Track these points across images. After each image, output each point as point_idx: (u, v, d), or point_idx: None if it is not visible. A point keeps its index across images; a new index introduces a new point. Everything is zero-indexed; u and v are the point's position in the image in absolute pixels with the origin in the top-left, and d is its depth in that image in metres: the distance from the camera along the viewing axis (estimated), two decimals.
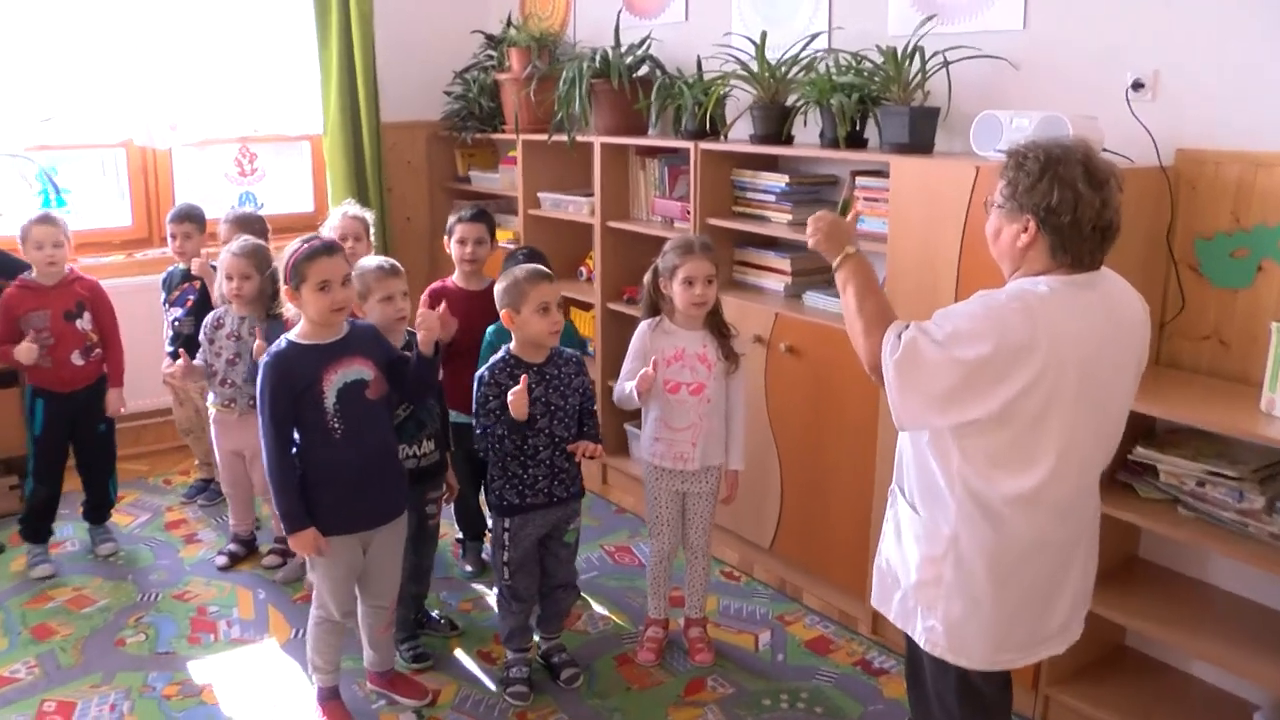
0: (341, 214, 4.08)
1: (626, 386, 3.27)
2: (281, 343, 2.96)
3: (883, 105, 3.55)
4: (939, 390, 2.09)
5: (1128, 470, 3.01)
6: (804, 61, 3.89)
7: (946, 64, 3.46)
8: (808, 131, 3.96)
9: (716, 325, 3.34)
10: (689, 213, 4.23)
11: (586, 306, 4.95)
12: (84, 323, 4.03)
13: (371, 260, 3.39)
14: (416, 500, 3.44)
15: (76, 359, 4.01)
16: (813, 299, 3.89)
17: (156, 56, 4.97)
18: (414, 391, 3.13)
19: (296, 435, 2.96)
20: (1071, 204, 2.09)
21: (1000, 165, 2.24)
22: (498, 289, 3.17)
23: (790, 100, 3.93)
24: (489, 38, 5.46)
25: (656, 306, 3.37)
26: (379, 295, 3.29)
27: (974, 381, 2.05)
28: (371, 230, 4.15)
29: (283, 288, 2.95)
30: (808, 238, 2.50)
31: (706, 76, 4.23)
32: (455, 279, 3.99)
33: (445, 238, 4.03)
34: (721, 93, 4.08)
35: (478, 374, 3.17)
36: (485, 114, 5.38)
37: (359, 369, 2.97)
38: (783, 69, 3.90)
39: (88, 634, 3.67)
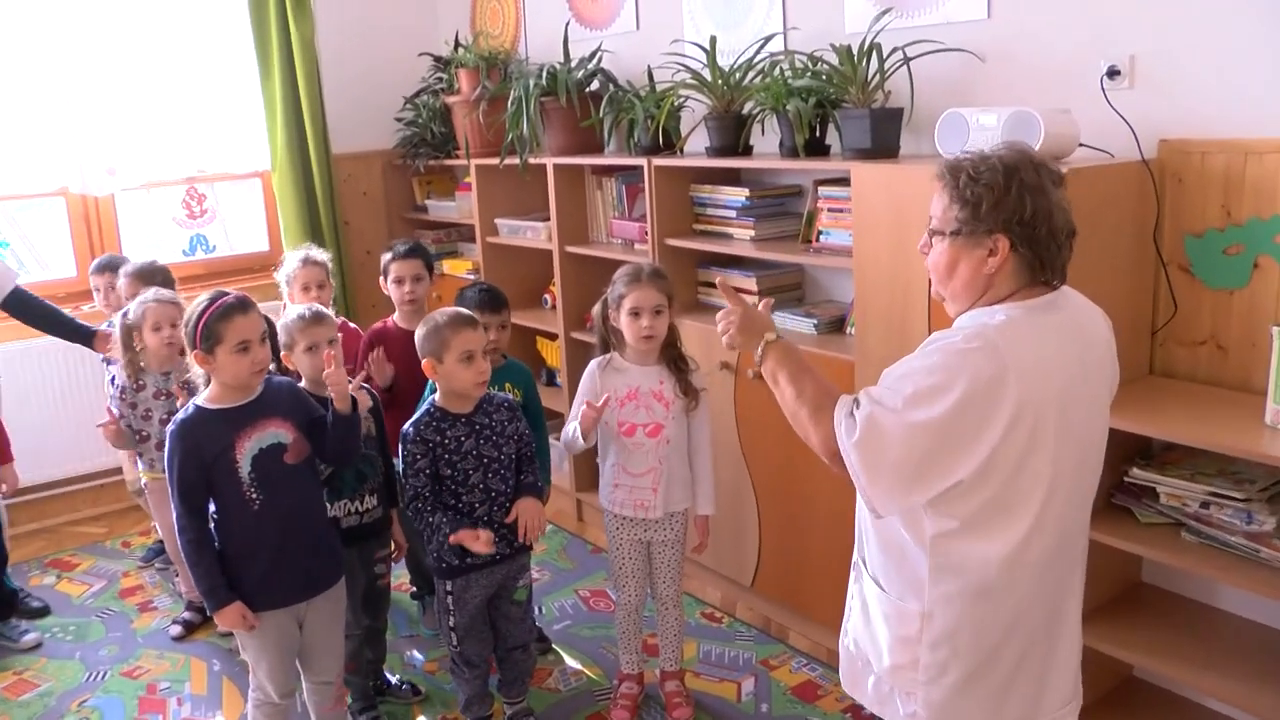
0: (300, 260, 3.78)
1: (570, 429, 2.99)
2: (189, 409, 2.71)
3: (842, 108, 3.28)
4: (914, 462, 1.79)
5: (1124, 493, 2.73)
6: (759, 66, 3.62)
7: (907, 60, 3.18)
8: (767, 140, 3.69)
9: (673, 359, 3.07)
10: (648, 233, 3.96)
11: (552, 336, 4.68)
12: None
13: (294, 309, 3.12)
14: (363, 560, 3.20)
15: None
16: (781, 320, 3.62)
17: (90, 99, 4.72)
18: (334, 454, 2.86)
19: (213, 507, 2.71)
20: (1046, 212, 1.84)
21: (941, 186, 1.93)
22: (418, 336, 2.91)
23: (746, 108, 3.66)
24: (437, 60, 5.20)
25: (608, 342, 3.10)
26: (304, 345, 3.03)
27: (947, 441, 1.77)
28: (330, 274, 3.87)
29: (189, 351, 2.69)
30: (721, 334, 2.19)
31: (660, 87, 3.96)
32: (396, 319, 3.73)
33: (381, 278, 3.77)
34: (674, 104, 3.82)
35: (402, 430, 2.90)
36: (438, 140, 5.12)
37: (275, 432, 2.72)
38: (736, 75, 3.63)
39: None
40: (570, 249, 4.41)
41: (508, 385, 3.43)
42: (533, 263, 4.80)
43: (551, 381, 4.87)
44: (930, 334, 2.76)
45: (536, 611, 3.87)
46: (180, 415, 2.70)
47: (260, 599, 2.71)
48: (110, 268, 4.15)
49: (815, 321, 3.51)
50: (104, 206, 4.91)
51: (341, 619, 2.95)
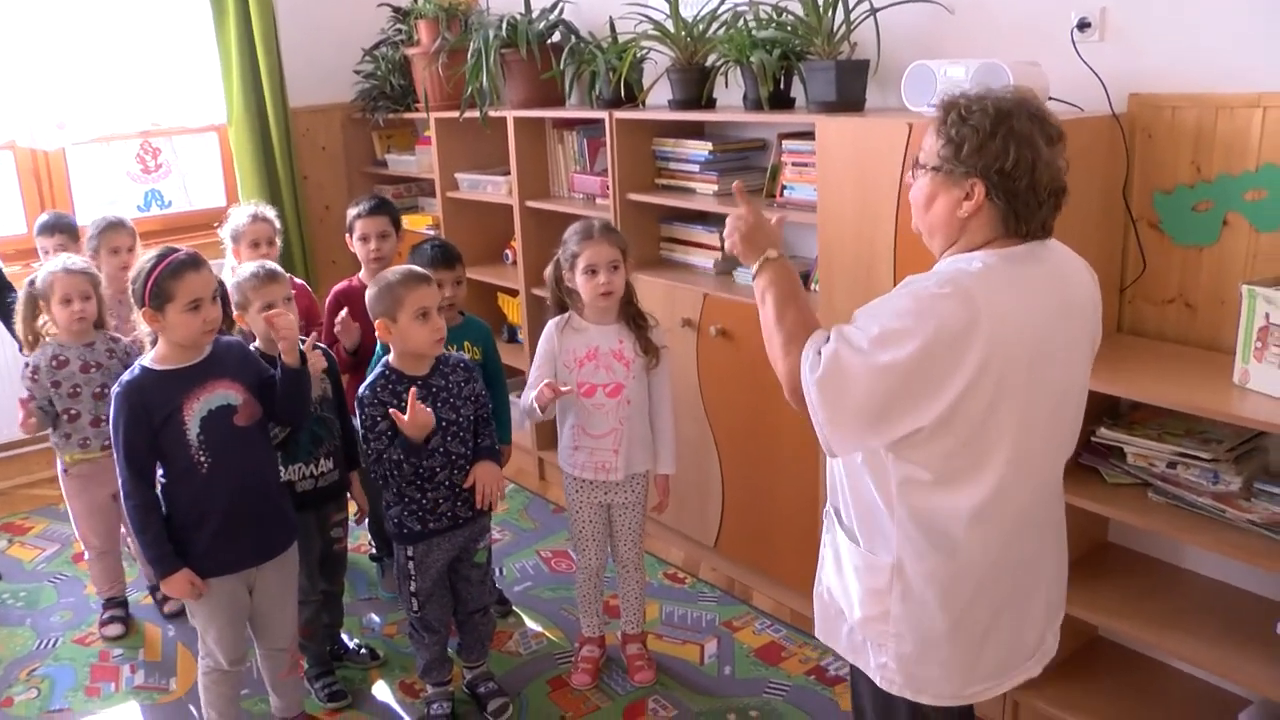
0: (249, 216, 3.62)
1: (528, 399, 2.88)
2: (135, 369, 2.59)
3: (807, 60, 3.15)
4: (872, 405, 1.73)
5: (1091, 453, 2.65)
6: (724, 17, 3.48)
7: (874, 10, 3.06)
8: (731, 94, 3.56)
9: (632, 316, 2.96)
10: (609, 188, 3.83)
11: (513, 293, 4.56)
12: None
13: (247, 266, 2.99)
14: (319, 524, 3.10)
15: None
16: (745, 276, 3.51)
17: (38, 50, 4.50)
18: (283, 413, 2.73)
19: (160, 471, 2.60)
20: (1029, 165, 1.74)
21: (933, 121, 1.86)
22: (369, 297, 2.78)
23: (710, 60, 3.52)
24: (396, 10, 5.01)
25: (564, 302, 2.98)
26: (259, 304, 2.90)
27: (910, 386, 1.70)
28: (278, 230, 3.72)
29: (137, 309, 2.56)
30: (725, 238, 2.11)
31: (622, 39, 3.81)
32: (362, 277, 3.59)
33: (346, 235, 3.62)
34: (636, 56, 3.68)
35: (358, 394, 2.78)
36: (397, 93, 4.95)
37: (224, 393, 2.60)
38: (700, 26, 3.49)
39: None
40: (531, 204, 4.28)
41: (466, 344, 3.32)
42: (494, 218, 4.67)
43: (513, 338, 4.76)
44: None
45: (497, 573, 3.79)
46: (126, 376, 2.58)
47: (208, 565, 2.61)
48: (59, 228, 3.91)
49: None
50: (54, 161, 4.72)
51: (294, 585, 2.85)
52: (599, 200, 3.99)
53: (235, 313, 2.93)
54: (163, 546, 2.56)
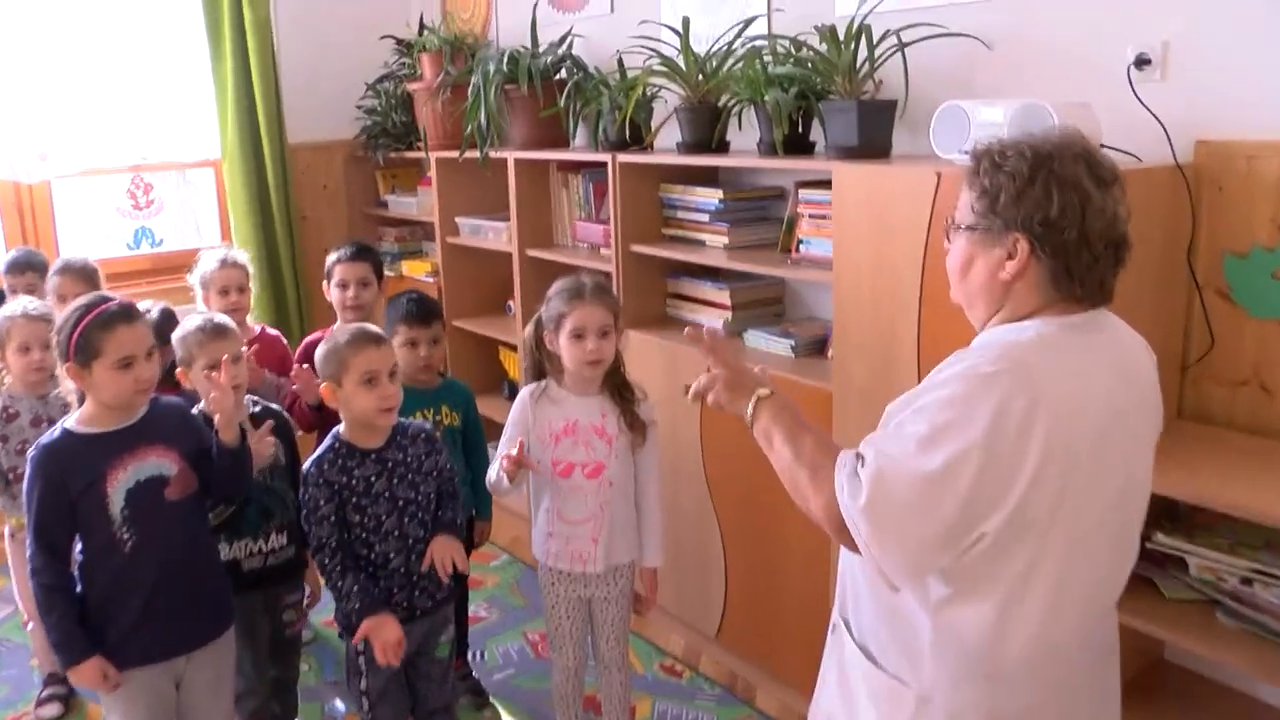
0: (218, 261, 3.34)
1: (493, 471, 2.52)
2: (54, 432, 2.29)
3: (827, 101, 2.80)
4: (936, 523, 1.42)
5: (1146, 560, 2.24)
6: (740, 52, 3.13)
7: (901, 46, 2.70)
8: (746, 136, 3.21)
9: (617, 387, 2.60)
10: (612, 237, 3.48)
11: (514, 347, 4.21)
12: None
13: (193, 318, 2.68)
14: (268, 606, 2.77)
15: None
16: (756, 338, 3.15)
17: (21, 77, 4.24)
18: (219, 493, 2.42)
19: (79, 545, 2.29)
20: (1078, 212, 1.47)
21: (964, 173, 1.57)
22: (317, 355, 2.46)
23: (723, 100, 3.17)
24: (399, 43, 4.72)
25: (542, 368, 2.63)
26: (203, 362, 2.58)
27: (976, 490, 1.41)
28: (250, 276, 3.42)
29: (60, 365, 2.27)
30: (702, 397, 1.82)
31: (631, 75, 3.48)
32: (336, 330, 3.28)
33: (324, 281, 3.33)
34: (643, 93, 3.34)
35: (304, 469, 2.44)
36: (399, 130, 4.64)
37: (157, 462, 2.30)
38: (713, 62, 3.15)
39: None
40: (532, 253, 3.94)
41: (445, 409, 3.00)
42: (496, 266, 4.33)
43: (514, 396, 4.39)
44: (919, 364, 2.32)
45: (476, 658, 3.43)
46: (44, 439, 2.28)
47: (126, 653, 2.29)
48: (29, 266, 3.64)
49: (793, 342, 3.03)
50: (38, 195, 4.45)
51: (228, 677, 2.52)
52: (603, 250, 3.64)
53: (179, 369, 2.61)
54: (70, 631, 2.25)
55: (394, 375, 2.40)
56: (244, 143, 4.56)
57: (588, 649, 2.76)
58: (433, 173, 4.39)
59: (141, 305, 3.08)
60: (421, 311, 2.93)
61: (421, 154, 4.52)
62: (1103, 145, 2.29)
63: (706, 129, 3.17)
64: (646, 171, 3.42)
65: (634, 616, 2.79)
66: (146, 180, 4.74)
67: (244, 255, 3.42)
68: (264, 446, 2.55)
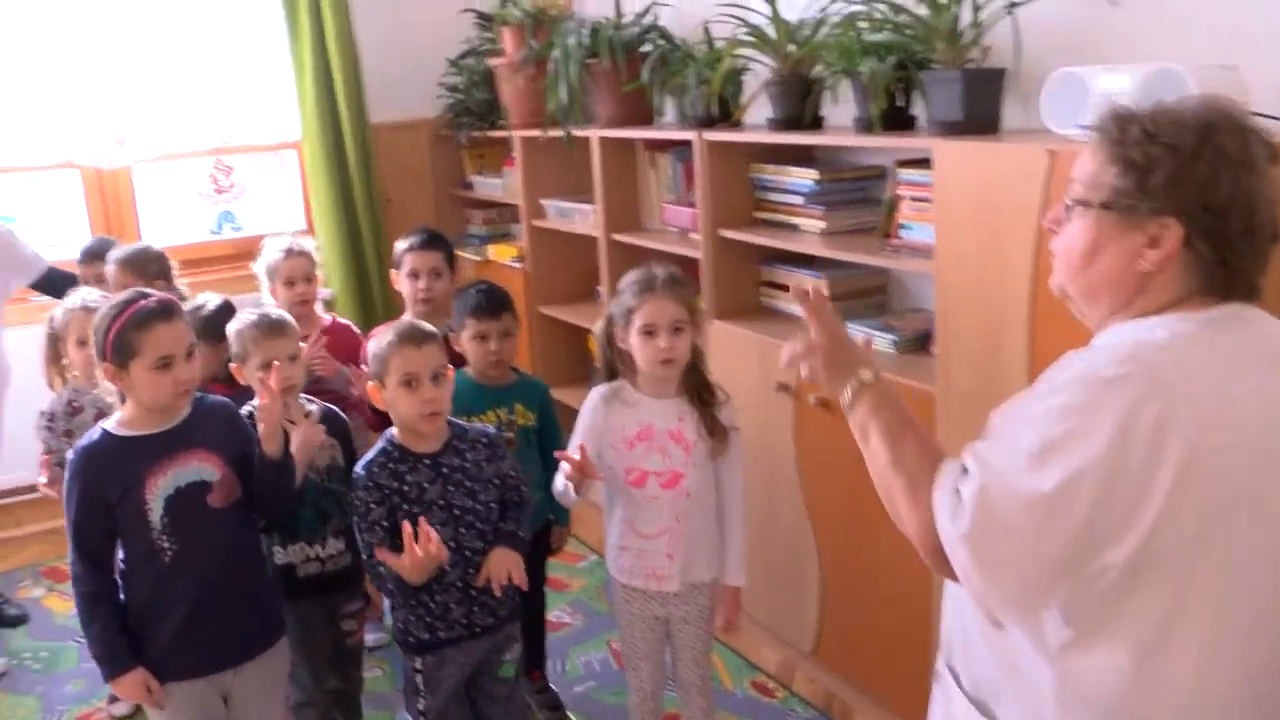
0: (284, 251, 3.28)
1: (559, 481, 2.37)
2: (94, 434, 2.24)
3: (929, 70, 2.57)
4: (1048, 553, 1.24)
5: None
6: (834, 19, 2.91)
7: (1012, 6, 2.45)
8: (842, 111, 2.99)
9: (696, 389, 2.44)
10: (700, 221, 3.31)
11: None
12: None
13: (250, 313, 2.60)
14: (326, 615, 2.68)
15: None
16: (855, 332, 2.93)
17: (99, 62, 4.27)
18: (260, 504, 2.34)
19: (120, 554, 2.25)
20: (1248, 198, 1.29)
21: (1096, 140, 1.36)
22: (368, 352, 2.36)
23: (816, 71, 2.96)
24: (480, 16, 4.60)
25: (615, 367, 2.48)
26: (258, 360, 2.51)
27: (1096, 515, 1.22)
28: (317, 265, 3.35)
29: (99, 364, 2.22)
30: (795, 363, 1.61)
31: (718, 46, 3.29)
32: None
33: (393, 270, 3.24)
34: (731, 65, 3.15)
35: (354, 473, 2.34)
36: (482, 108, 4.53)
37: (198, 467, 2.23)
38: (805, 30, 2.94)
39: None
40: (618, 237, 3.79)
41: (518, 407, 2.88)
42: (584, 250, 4.18)
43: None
44: (1031, 365, 2.09)
45: (556, 669, 3.32)
46: (82, 441, 2.24)
47: (169, 666, 2.24)
48: (99, 255, 3.64)
49: (896, 337, 2.82)
50: (120, 180, 4.47)
51: (279, 690, 2.46)
52: (693, 235, 3.47)
53: (233, 365, 2.54)
54: (112, 642, 2.20)
55: (439, 378, 2.29)
56: (323, 123, 4.53)
57: (667, 669, 2.61)
58: (517, 152, 4.27)
59: (201, 298, 3.06)
60: (490, 303, 2.81)
61: (506, 133, 4.40)
62: (1255, 114, 2.03)
63: (798, 104, 2.96)
64: (735, 150, 3.23)
65: (718, 634, 2.64)
66: (228, 163, 4.73)
67: (310, 243, 3.36)
68: (314, 433, 2.45)
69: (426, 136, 4.94)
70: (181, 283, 3.53)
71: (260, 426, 2.26)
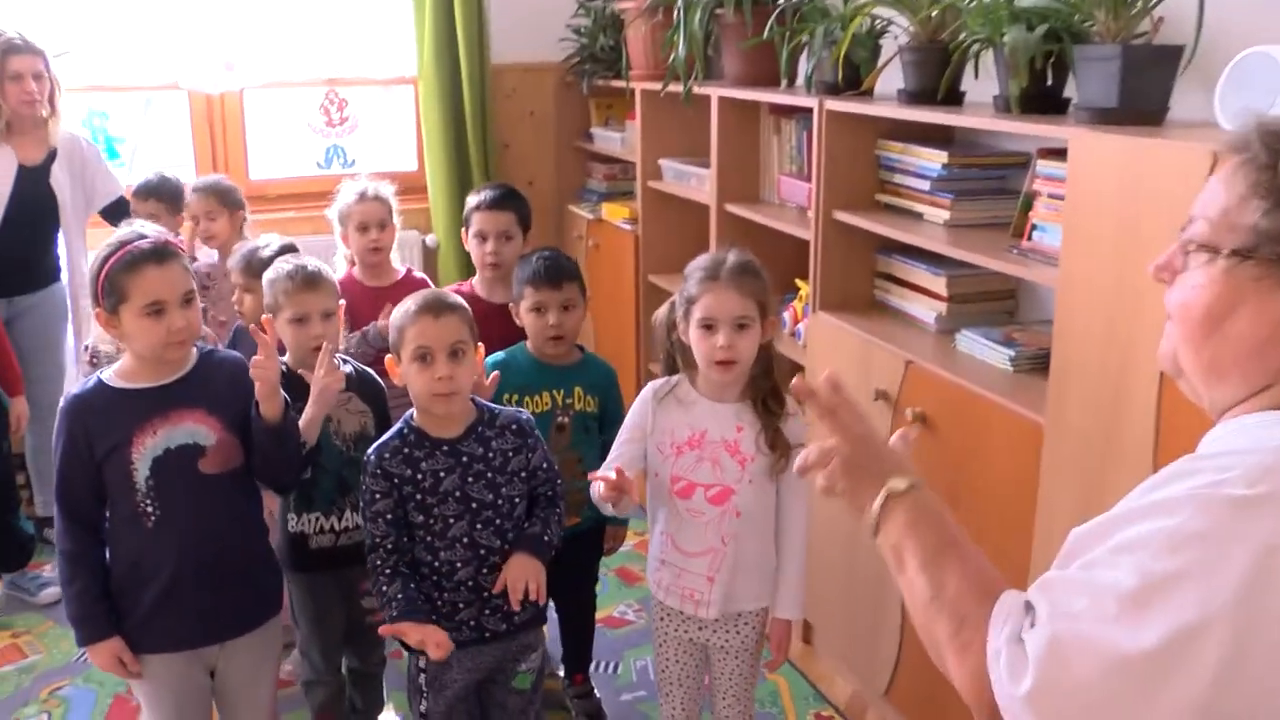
0: (357, 195, 3.18)
1: (595, 488, 2.15)
2: (89, 382, 2.14)
3: (1085, 45, 2.23)
4: None
5: None
6: None
7: None
8: (986, 86, 2.65)
9: (763, 397, 2.18)
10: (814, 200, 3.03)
11: None
12: None
13: (284, 264, 2.46)
14: (340, 590, 2.57)
15: None
16: (969, 342, 2.63)
17: None
18: (261, 471, 2.20)
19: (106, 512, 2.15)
20: None
21: (1233, 162, 1.07)
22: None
23: (960, 38, 2.63)
24: None
25: (674, 361, 2.25)
26: (289, 314, 2.38)
27: (1225, 686, 0.92)
28: (395, 211, 3.21)
29: (91, 309, 2.13)
30: (821, 488, 1.31)
31: (852, 3, 2.98)
32: (475, 285, 3.05)
33: (462, 229, 3.09)
34: (868, 27, 2.84)
35: (366, 455, 2.18)
36: (607, 55, 4.31)
37: (192, 428, 2.10)
38: None
39: None
40: (731, 208, 3.53)
41: (578, 391, 2.68)
42: (699, 218, 3.92)
43: None
44: (1159, 423, 1.79)
45: (608, 669, 3.16)
46: (75, 389, 2.14)
47: (146, 638, 2.15)
48: (156, 192, 3.59)
49: (1014, 352, 2.50)
50: (229, 106, 4.42)
51: (270, 669, 2.35)
52: (810, 213, 3.18)
53: (264, 316, 2.40)
54: (90, 606, 2.11)
55: (458, 355, 2.09)
56: (440, 59, 4.37)
57: (701, 703, 2.39)
58: (637, 106, 4.04)
59: (263, 239, 2.94)
60: (552, 271, 2.62)
61: (621, 84, 4.18)
62: None
63: (934, 75, 2.64)
64: (859, 123, 2.92)
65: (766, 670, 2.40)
66: (341, 95, 4.63)
67: (389, 188, 3.23)
68: (333, 381, 2.31)
69: (551, 81, 4.74)
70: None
71: (256, 386, 2.11)
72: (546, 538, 2.18)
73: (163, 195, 3.57)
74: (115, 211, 3.70)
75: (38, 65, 3.50)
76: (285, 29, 4.34)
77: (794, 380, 1.32)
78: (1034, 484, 2.18)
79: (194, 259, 3.42)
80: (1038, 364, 2.48)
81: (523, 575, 2.09)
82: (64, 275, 3.76)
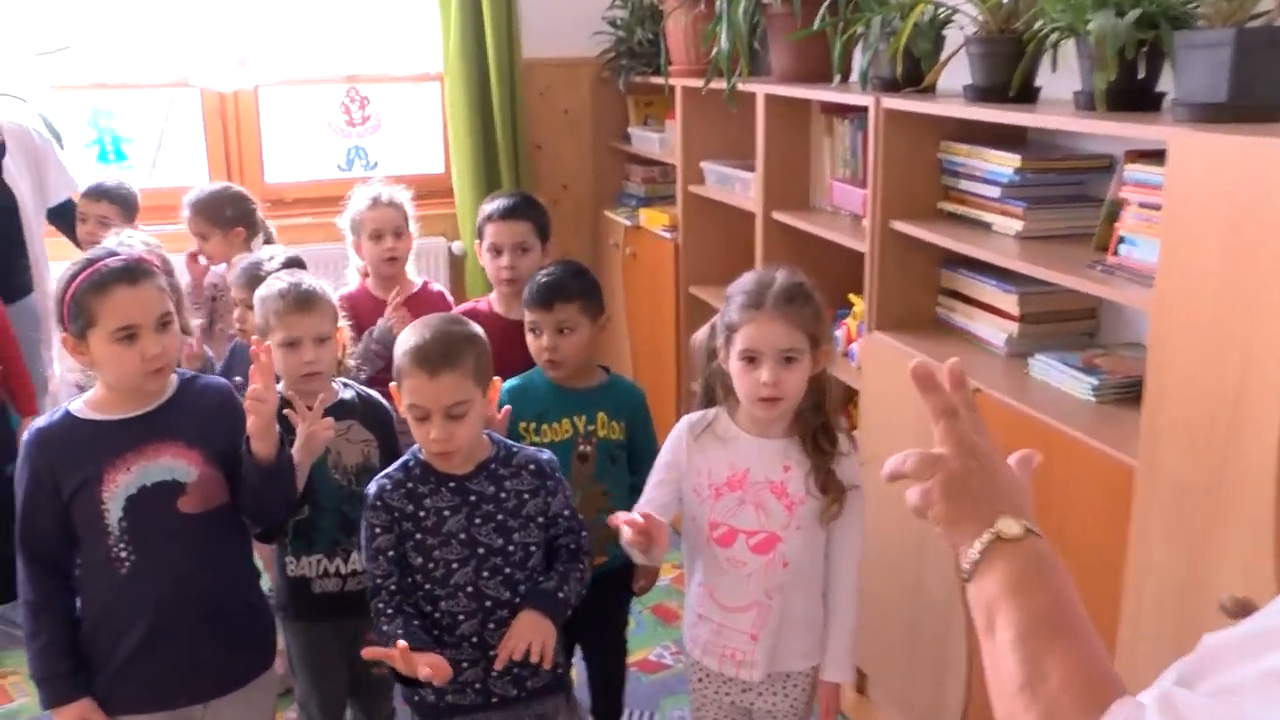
0: (370, 200, 3.03)
1: (626, 531, 1.94)
2: (55, 413, 1.98)
3: (1190, 30, 2.01)
4: None
5: None
6: None
7: None
8: (1064, 80, 2.43)
9: (813, 434, 1.98)
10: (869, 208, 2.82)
11: None
12: None
13: (277, 281, 2.30)
14: (343, 641, 2.37)
15: None
16: (1044, 368, 2.41)
17: None
18: (249, 511, 2.04)
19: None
20: None
21: None
22: None
23: (1038, 27, 2.41)
24: None
25: (713, 391, 2.05)
26: (280, 337, 2.22)
27: None
28: (411, 218, 3.05)
29: (57, 334, 2.04)
30: (913, 506, 1.08)
31: None
32: (492, 302, 2.90)
33: (476, 241, 2.94)
34: (926, 15, 2.63)
35: (367, 488, 2.02)
36: (645, 49, 4.14)
37: (170, 464, 1.95)
38: None
39: None
40: (779, 216, 3.33)
41: (601, 416, 2.50)
42: (744, 227, 3.74)
43: None
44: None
45: (646, 719, 2.98)
46: (40, 422, 1.99)
47: (119, 697, 1.98)
48: (108, 196, 3.42)
49: (1097, 381, 2.27)
50: (243, 105, 4.28)
51: None
52: (866, 223, 2.98)
53: (254, 338, 2.24)
54: (54, 663, 1.95)
55: (458, 416, 1.92)
56: (468, 55, 4.23)
57: None
58: (677, 104, 3.86)
59: (265, 251, 2.77)
60: (542, 292, 2.46)
61: (666, 80, 3.98)
62: None
63: (1005, 69, 2.42)
64: (921, 123, 2.70)
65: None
66: (363, 93, 4.48)
67: (404, 194, 3.08)
68: (320, 430, 2.15)
69: (586, 78, 4.58)
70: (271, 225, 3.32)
71: (249, 419, 1.93)
72: (562, 594, 1.98)
73: (114, 198, 3.42)
74: (64, 215, 3.56)
75: None
76: (302, 23, 4.21)
77: (915, 362, 1.08)
78: (1122, 536, 1.96)
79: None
80: (1125, 394, 2.25)
81: (526, 636, 1.90)
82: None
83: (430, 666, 1.81)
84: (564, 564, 2.01)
